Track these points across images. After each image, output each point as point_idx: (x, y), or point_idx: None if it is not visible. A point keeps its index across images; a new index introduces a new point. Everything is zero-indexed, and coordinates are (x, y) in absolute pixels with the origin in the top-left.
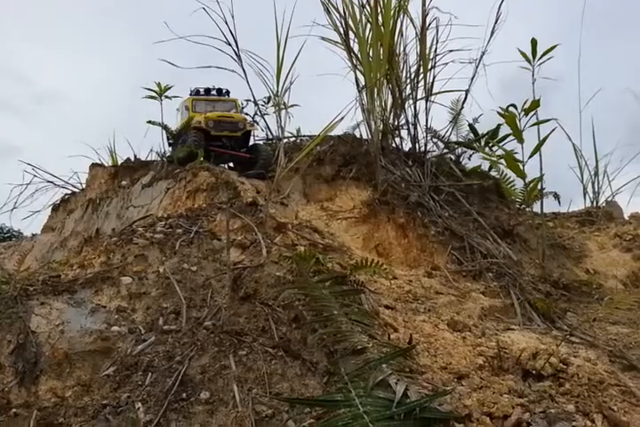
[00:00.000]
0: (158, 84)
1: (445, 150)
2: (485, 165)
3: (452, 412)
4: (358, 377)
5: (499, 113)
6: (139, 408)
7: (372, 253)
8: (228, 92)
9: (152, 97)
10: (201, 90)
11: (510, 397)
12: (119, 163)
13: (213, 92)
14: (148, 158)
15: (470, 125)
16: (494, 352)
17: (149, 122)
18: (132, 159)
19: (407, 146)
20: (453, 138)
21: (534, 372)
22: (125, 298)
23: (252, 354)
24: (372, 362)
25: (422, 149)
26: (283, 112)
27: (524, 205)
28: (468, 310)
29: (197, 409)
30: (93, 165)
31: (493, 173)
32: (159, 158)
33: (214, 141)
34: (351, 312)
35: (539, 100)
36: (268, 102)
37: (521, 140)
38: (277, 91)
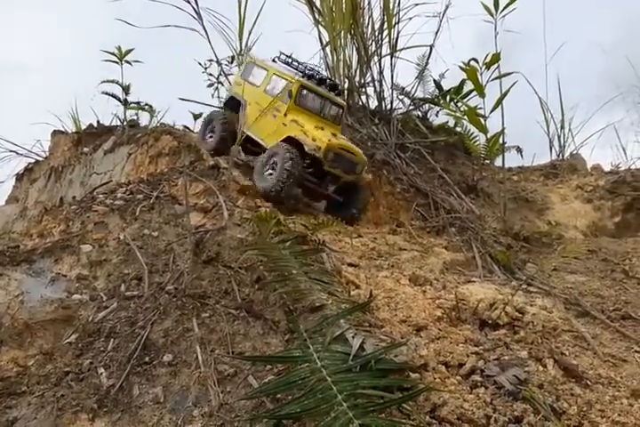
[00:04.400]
0: (118, 48)
1: (411, 107)
2: (452, 122)
3: (407, 362)
4: (317, 333)
5: (460, 67)
6: (101, 374)
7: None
8: (342, 90)
9: (112, 61)
10: (314, 74)
11: (466, 346)
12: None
13: (325, 82)
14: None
15: (435, 81)
16: (453, 304)
17: (106, 81)
18: (95, 125)
19: (373, 104)
20: (420, 94)
21: (491, 321)
22: (86, 266)
23: (215, 316)
24: (330, 318)
25: (388, 106)
26: None
27: (488, 160)
28: (431, 265)
29: (160, 372)
30: (55, 133)
31: (459, 129)
32: (121, 123)
33: (314, 175)
34: (311, 271)
35: (499, 53)
36: (232, 62)
37: (482, 95)
38: (241, 50)
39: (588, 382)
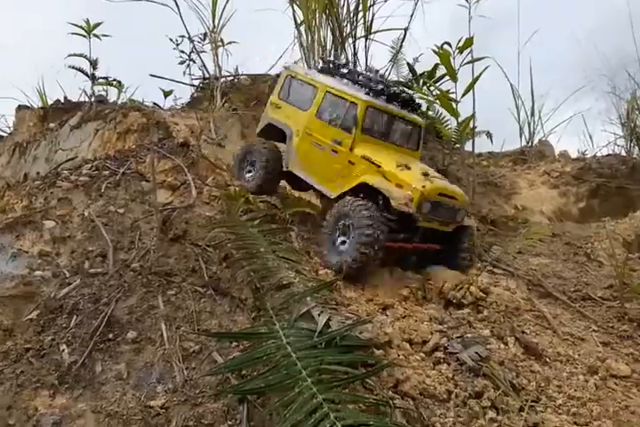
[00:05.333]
0: (87, 22)
1: None
2: (425, 106)
3: (371, 339)
4: (283, 311)
5: (434, 51)
6: (63, 350)
7: (309, 195)
8: (418, 106)
9: (80, 34)
10: (382, 87)
11: (430, 324)
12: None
13: (398, 96)
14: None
15: (409, 65)
16: (419, 284)
17: (73, 55)
18: (62, 101)
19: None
20: (393, 78)
21: (455, 301)
22: (49, 242)
23: (181, 294)
24: (297, 296)
25: None
26: (220, 49)
27: (458, 145)
28: None
29: (124, 348)
30: (20, 108)
31: (431, 113)
32: (88, 99)
33: (403, 232)
34: (279, 249)
35: (472, 38)
36: (205, 39)
37: (454, 79)
38: (214, 27)
39: (547, 359)
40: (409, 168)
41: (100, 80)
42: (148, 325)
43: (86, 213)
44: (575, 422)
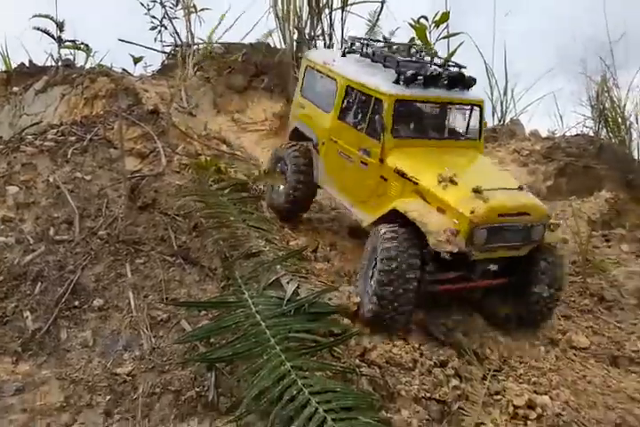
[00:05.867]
0: None
1: None
2: None
3: (340, 305)
4: (252, 279)
5: (410, 24)
6: (27, 317)
7: None
8: (471, 80)
9: None
10: (416, 68)
11: None
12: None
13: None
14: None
15: (385, 38)
16: None
17: (38, 16)
18: (27, 64)
19: None
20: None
21: None
22: (12, 208)
23: (150, 262)
24: (266, 264)
25: None
26: (192, 16)
27: None
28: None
29: (90, 316)
30: None
31: None
32: (55, 63)
33: (454, 268)
34: (250, 218)
35: (448, 12)
36: (177, 5)
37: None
38: None
39: (511, 331)
40: (454, 182)
41: (67, 43)
42: (116, 293)
43: (51, 179)
44: (535, 391)
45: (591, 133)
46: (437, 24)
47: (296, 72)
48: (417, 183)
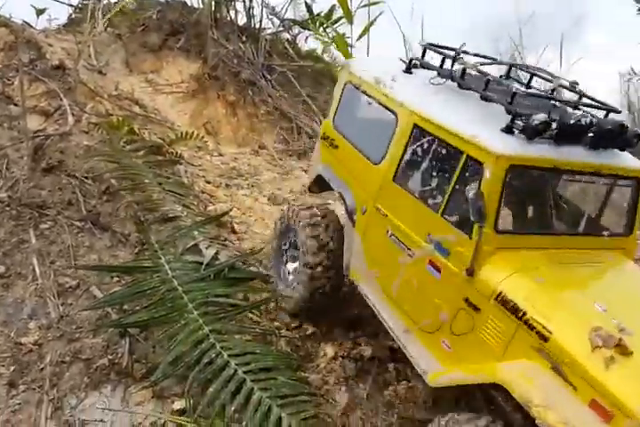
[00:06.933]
0: None
1: (281, 28)
2: (321, 49)
3: (258, 271)
4: (169, 244)
5: None
6: None
7: (200, 131)
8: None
9: None
10: (534, 116)
11: None
12: None
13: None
14: None
15: (307, 4)
16: None
17: None
18: None
19: (242, 20)
20: (290, 16)
21: None
22: None
23: (56, 227)
24: (184, 229)
25: (257, 24)
26: None
27: None
28: (290, 186)
29: None
30: None
31: (327, 58)
32: None
33: None
34: (166, 183)
35: None
36: None
37: (350, 21)
38: None
39: None
40: (626, 349)
41: None
42: (18, 259)
43: None
44: None
45: None
46: None
47: (214, 32)
48: (546, 338)
